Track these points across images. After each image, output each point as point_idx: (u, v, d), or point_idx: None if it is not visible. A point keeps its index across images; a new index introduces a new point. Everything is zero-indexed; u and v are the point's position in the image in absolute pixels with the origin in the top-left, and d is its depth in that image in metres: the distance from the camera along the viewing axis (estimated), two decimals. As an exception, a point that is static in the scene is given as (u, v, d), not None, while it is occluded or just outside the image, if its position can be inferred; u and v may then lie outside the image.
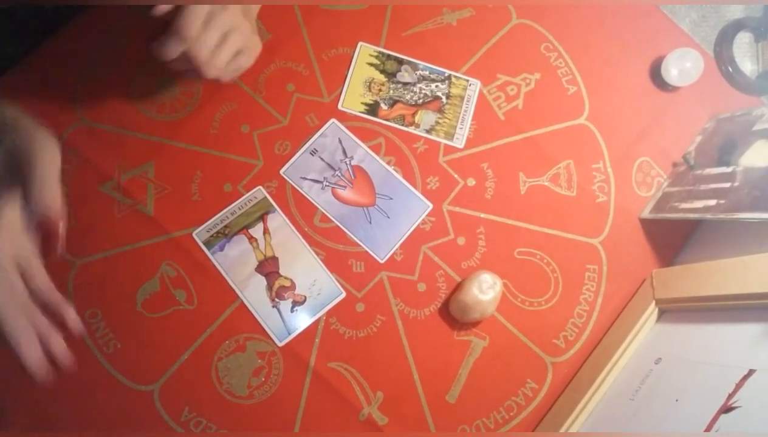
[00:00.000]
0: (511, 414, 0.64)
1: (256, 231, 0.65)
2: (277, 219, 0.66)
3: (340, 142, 0.69)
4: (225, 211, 0.65)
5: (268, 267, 0.65)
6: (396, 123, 0.70)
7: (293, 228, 0.66)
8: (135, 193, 0.65)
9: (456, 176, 0.70)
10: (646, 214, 0.70)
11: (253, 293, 0.64)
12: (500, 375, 0.65)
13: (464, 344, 0.65)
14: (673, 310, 0.64)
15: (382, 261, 0.66)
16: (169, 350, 0.62)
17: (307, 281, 0.65)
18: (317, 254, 0.66)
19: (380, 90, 0.71)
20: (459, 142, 0.70)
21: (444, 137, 0.70)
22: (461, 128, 0.71)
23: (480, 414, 0.64)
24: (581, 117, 0.73)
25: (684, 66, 0.72)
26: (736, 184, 0.61)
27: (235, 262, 0.64)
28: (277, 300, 0.64)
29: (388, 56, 0.72)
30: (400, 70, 0.71)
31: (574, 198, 0.70)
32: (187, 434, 0.60)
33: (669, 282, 0.64)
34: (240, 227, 0.65)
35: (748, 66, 1.39)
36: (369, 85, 0.71)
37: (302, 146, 0.68)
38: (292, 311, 0.64)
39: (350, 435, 0.62)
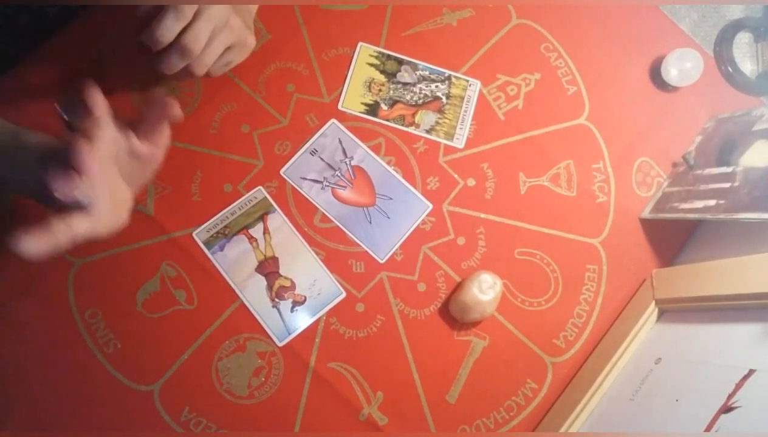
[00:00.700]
0: (511, 414, 0.64)
1: (256, 231, 0.65)
2: (277, 220, 0.66)
3: (340, 142, 0.69)
4: (225, 211, 0.65)
5: (268, 268, 0.65)
6: (396, 123, 0.70)
7: (293, 228, 0.66)
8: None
9: (456, 176, 0.70)
10: (646, 214, 0.70)
11: (253, 293, 0.64)
12: (500, 375, 0.65)
13: (464, 344, 0.65)
14: (673, 310, 0.64)
15: (382, 262, 0.66)
16: (169, 350, 0.62)
17: (307, 281, 0.65)
18: (317, 254, 0.66)
19: (380, 90, 0.71)
20: (459, 142, 0.70)
21: (444, 137, 0.70)
22: (461, 128, 0.71)
23: (480, 414, 0.64)
24: (581, 117, 0.73)
25: (684, 66, 0.72)
26: (736, 184, 0.61)
27: (235, 262, 0.64)
28: (277, 300, 0.64)
29: (388, 56, 0.72)
30: (400, 71, 0.71)
31: (574, 198, 0.70)
32: (187, 434, 0.60)
33: (669, 282, 0.64)
34: (240, 227, 0.65)
35: (747, 66, 1.39)
36: (369, 85, 0.71)
37: (302, 146, 0.68)
38: (292, 311, 0.64)
39: (350, 435, 0.62)
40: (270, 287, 0.64)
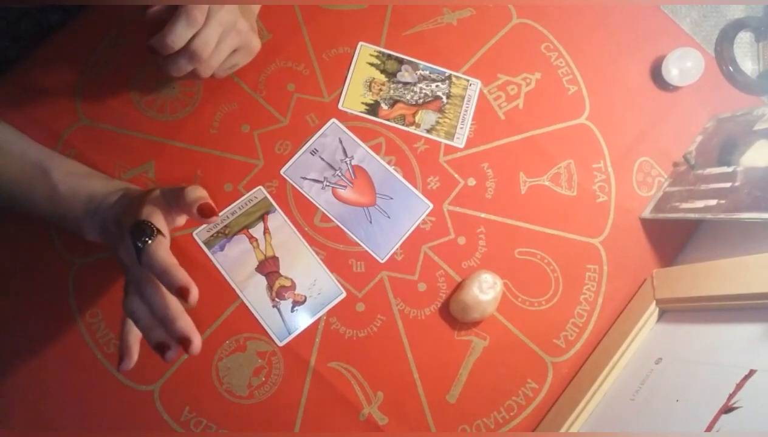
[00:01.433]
0: (512, 414, 0.64)
1: (257, 231, 0.65)
2: (278, 219, 0.66)
3: (340, 141, 0.69)
4: (225, 210, 0.65)
5: (269, 267, 0.65)
6: (396, 123, 0.70)
7: (293, 228, 0.66)
8: (135, 193, 0.65)
9: (456, 176, 0.69)
10: (646, 213, 0.70)
11: (254, 293, 0.64)
12: (500, 375, 0.65)
13: (464, 344, 0.65)
14: (674, 310, 0.64)
15: (382, 261, 0.66)
16: (170, 350, 0.62)
17: (307, 281, 0.65)
18: (317, 254, 0.66)
19: (380, 90, 0.71)
20: (459, 141, 0.70)
21: (444, 137, 0.70)
22: (462, 128, 0.71)
23: (480, 414, 0.64)
24: (582, 116, 0.73)
25: (685, 65, 0.71)
26: (737, 183, 0.61)
27: (236, 262, 0.64)
28: (277, 300, 0.64)
29: (389, 56, 0.72)
30: (400, 70, 0.71)
31: (574, 198, 0.70)
32: (187, 434, 0.60)
33: (670, 282, 0.64)
34: (240, 227, 0.65)
35: (748, 65, 1.39)
36: (369, 84, 0.70)
37: (302, 146, 0.68)
38: (292, 311, 0.64)
39: (350, 435, 0.62)
40: (270, 287, 0.64)
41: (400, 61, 0.71)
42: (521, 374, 0.65)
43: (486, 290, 0.63)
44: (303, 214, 0.66)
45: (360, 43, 0.71)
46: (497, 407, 0.64)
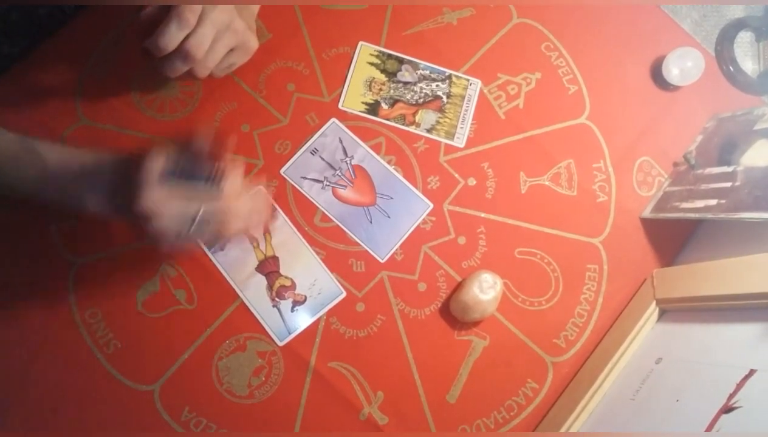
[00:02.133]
0: (512, 413, 0.64)
1: (257, 230, 0.65)
2: (278, 219, 0.66)
3: (340, 141, 0.69)
4: (225, 210, 0.65)
5: (269, 267, 0.65)
6: (396, 122, 0.70)
7: (294, 227, 0.66)
8: (135, 193, 0.65)
9: (456, 176, 0.69)
10: (646, 213, 0.70)
11: (254, 293, 0.64)
12: (501, 375, 0.65)
13: (465, 344, 0.65)
14: (674, 310, 0.64)
15: (382, 261, 0.66)
16: (169, 350, 0.62)
17: (307, 281, 0.65)
18: (318, 254, 0.66)
19: (381, 89, 0.70)
20: (459, 141, 0.70)
21: (444, 136, 0.70)
22: (462, 127, 0.71)
23: (480, 414, 0.64)
24: (582, 116, 0.73)
25: (685, 65, 0.71)
26: (737, 183, 0.61)
27: (236, 262, 0.64)
28: (277, 299, 0.64)
29: (389, 55, 0.72)
30: (400, 70, 0.71)
31: (574, 197, 0.70)
32: (187, 434, 0.60)
33: (670, 282, 0.64)
34: (240, 227, 0.65)
35: (749, 65, 1.39)
36: (369, 84, 0.70)
37: (303, 146, 0.68)
38: (292, 311, 0.64)
39: (350, 435, 0.62)
40: (270, 287, 0.64)
41: (401, 61, 0.71)
42: (521, 374, 0.65)
43: (486, 290, 0.63)
44: (303, 213, 0.66)
45: (360, 43, 0.71)
46: (497, 407, 0.64)
